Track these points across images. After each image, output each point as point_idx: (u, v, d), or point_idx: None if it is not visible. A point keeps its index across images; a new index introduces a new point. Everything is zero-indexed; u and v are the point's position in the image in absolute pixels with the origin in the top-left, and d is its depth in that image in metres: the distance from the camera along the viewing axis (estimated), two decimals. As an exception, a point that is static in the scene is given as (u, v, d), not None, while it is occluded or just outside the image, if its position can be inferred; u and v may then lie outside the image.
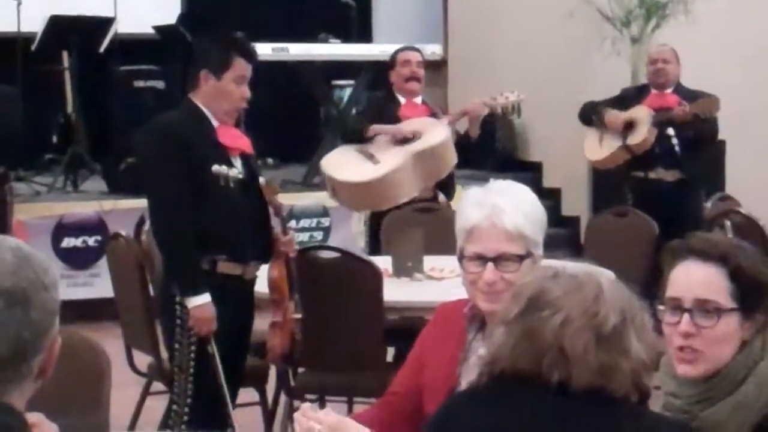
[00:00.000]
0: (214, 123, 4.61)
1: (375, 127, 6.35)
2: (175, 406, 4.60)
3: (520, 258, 2.74)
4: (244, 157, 4.72)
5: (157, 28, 10.38)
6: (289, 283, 4.72)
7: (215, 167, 4.52)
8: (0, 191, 7.78)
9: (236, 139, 4.70)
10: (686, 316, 2.33)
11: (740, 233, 6.12)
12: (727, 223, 6.43)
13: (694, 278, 2.35)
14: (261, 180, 4.80)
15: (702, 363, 2.33)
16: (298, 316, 4.76)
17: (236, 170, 4.60)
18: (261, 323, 4.87)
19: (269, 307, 4.78)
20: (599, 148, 7.30)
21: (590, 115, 7.32)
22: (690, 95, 7.10)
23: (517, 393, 1.95)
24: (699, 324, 2.32)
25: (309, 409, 2.64)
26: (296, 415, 2.64)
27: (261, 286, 4.74)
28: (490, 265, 2.75)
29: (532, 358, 1.94)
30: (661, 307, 2.36)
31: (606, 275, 2.10)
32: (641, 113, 7.09)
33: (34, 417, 1.92)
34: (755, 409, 2.29)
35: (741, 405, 2.29)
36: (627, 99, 7.33)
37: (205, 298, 4.45)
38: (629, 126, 7.12)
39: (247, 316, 4.76)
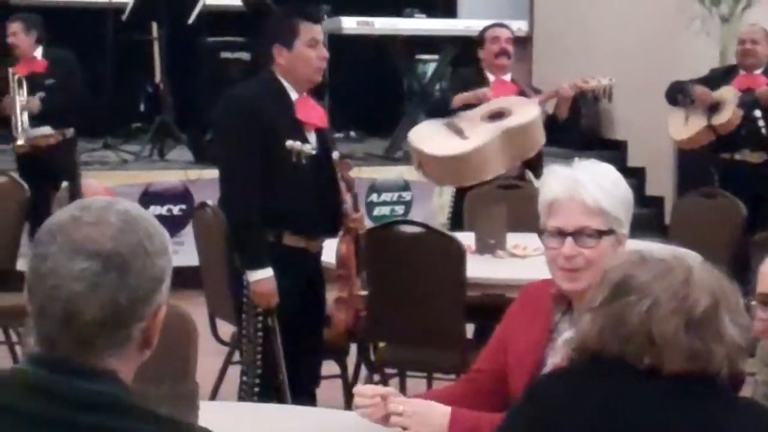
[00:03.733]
0: (293, 96, 4.58)
1: (459, 96, 6.31)
2: (244, 377, 4.62)
3: (600, 233, 2.73)
4: (319, 131, 4.70)
5: (245, 0, 10.43)
6: (357, 259, 4.73)
7: (289, 142, 4.51)
8: (70, 154, 7.78)
9: (312, 115, 4.66)
10: None
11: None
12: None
13: None
14: (334, 155, 4.78)
15: None
16: (364, 293, 4.76)
17: (309, 146, 4.58)
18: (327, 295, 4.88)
19: (334, 280, 4.79)
20: (684, 127, 7.21)
21: (677, 93, 7.24)
22: (780, 77, 7.01)
23: (608, 373, 1.92)
24: None
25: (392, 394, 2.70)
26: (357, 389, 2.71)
27: (327, 257, 4.75)
28: (569, 239, 2.74)
29: (619, 344, 1.91)
30: (753, 303, 2.33)
31: (694, 257, 2.03)
32: (728, 93, 7.00)
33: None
34: None
35: None
36: (715, 80, 7.22)
37: (266, 273, 4.46)
38: (715, 106, 7.04)
39: (315, 287, 4.76)
